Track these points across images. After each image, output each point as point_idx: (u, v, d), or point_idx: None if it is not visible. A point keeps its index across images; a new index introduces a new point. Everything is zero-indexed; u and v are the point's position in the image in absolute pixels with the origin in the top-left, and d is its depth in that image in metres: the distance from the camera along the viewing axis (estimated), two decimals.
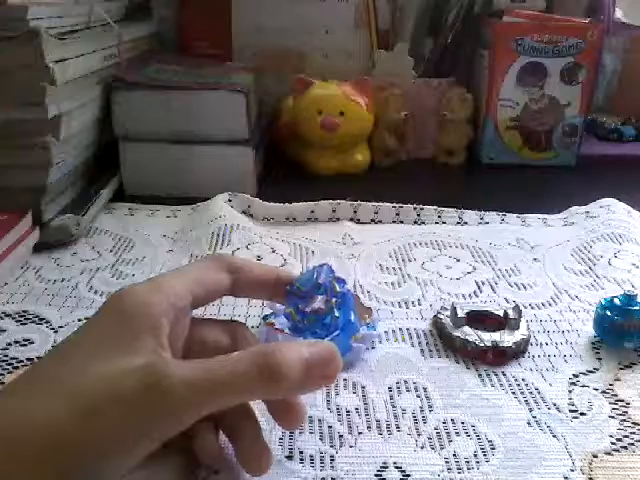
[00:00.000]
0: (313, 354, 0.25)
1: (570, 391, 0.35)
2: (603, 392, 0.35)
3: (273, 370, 0.23)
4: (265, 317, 0.40)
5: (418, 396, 0.34)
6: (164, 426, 0.22)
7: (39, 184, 0.51)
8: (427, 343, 0.39)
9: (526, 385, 0.35)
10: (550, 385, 0.35)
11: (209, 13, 0.81)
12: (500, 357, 0.37)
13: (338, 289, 0.34)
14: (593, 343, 0.39)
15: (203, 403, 0.23)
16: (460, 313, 0.40)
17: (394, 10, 0.80)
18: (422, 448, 0.30)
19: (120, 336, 0.24)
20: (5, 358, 0.37)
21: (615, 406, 0.34)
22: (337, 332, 0.34)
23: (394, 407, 0.33)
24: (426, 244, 0.54)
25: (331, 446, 0.31)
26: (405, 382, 0.35)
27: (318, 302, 0.33)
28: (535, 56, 0.72)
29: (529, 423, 0.32)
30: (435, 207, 0.59)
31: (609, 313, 0.39)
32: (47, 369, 0.24)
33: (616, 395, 0.35)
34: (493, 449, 0.30)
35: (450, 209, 0.59)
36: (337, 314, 0.34)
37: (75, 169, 0.58)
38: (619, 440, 0.31)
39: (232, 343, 0.30)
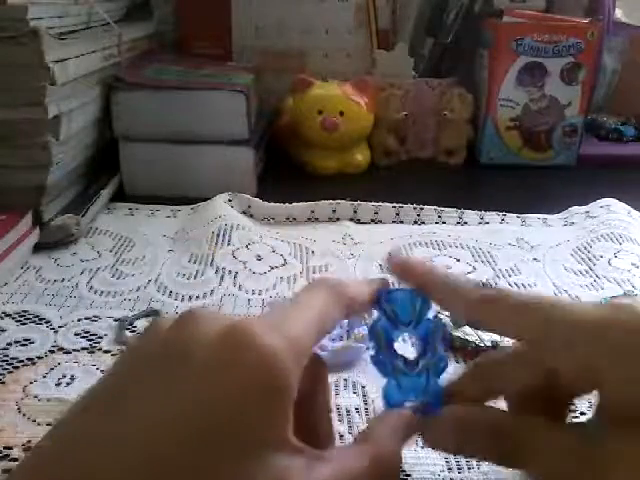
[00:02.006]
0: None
1: None
2: None
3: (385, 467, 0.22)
4: None
5: None
6: None
7: (39, 184, 0.51)
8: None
9: None
10: None
11: (209, 13, 0.81)
12: None
13: (438, 350, 0.27)
14: None
15: None
16: None
17: (394, 10, 0.80)
18: (422, 448, 0.30)
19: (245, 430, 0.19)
20: (5, 358, 0.37)
21: None
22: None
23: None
24: (426, 244, 0.54)
25: None
26: None
27: (409, 346, 0.28)
28: (535, 56, 0.72)
29: None
30: (435, 207, 0.59)
31: None
32: None
33: None
34: None
35: (450, 209, 0.59)
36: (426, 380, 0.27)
37: (75, 169, 0.58)
38: None
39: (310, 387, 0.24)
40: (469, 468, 0.29)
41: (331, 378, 0.35)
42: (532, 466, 0.23)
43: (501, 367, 0.26)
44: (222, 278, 0.47)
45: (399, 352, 0.26)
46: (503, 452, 0.23)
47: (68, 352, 0.38)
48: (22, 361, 0.36)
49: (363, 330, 0.38)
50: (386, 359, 0.26)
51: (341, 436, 0.31)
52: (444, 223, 0.58)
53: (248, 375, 0.19)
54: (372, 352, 0.27)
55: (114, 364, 0.21)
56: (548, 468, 0.22)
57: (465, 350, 0.38)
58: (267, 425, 0.19)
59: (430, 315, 0.27)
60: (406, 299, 0.27)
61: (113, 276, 0.47)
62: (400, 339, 0.27)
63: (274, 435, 0.19)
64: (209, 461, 0.18)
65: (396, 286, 0.28)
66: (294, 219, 0.58)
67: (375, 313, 0.28)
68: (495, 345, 0.37)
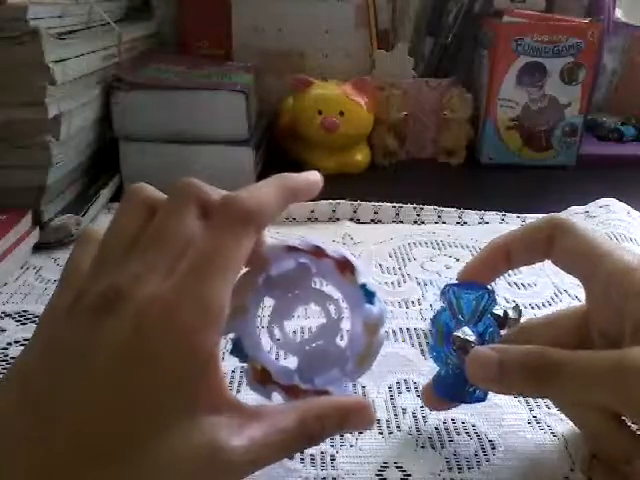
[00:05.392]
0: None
1: None
2: None
3: (314, 431, 0.24)
4: (236, 348, 0.28)
5: (418, 396, 0.34)
6: None
7: (39, 184, 0.51)
8: (427, 343, 0.39)
9: None
10: None
11: (209, 13, 0.81)
12: None
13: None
14: None
15: (257, 466, 0.23)
16: None
17: (394, 10, 0.80)
18: (423, 447, 0.30)
19: (162, 397, 0.21)
20: (5, 358, 0.37)
21: None
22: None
23: (394, 407, 0.33)
24: (426, 244, 0.54)
25: (332, 446, 0.31)
26: (405, 382, 0.35)
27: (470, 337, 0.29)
28: (535, 56, 0.72)
29: (529, 422, 0.32)
30: (435, 207, 0.59)
31: None
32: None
33: None
34: (493, 449, 0.30)
35: (450, 209, 0.59)
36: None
37: (75, 169, 0.58)
38: None
39: None
40: (469, 468, 0.29)
41: None
42: (569, 389, 0.24)
43: (539, 329, 0.29)
44: None
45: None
46: (540, 378, 0.24)
47: None
48: None
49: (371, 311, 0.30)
50: (441, 351, 0.29)
51: (341, 436, 0.31)
52: (444, 223, 0.58)
53: (167, 350, 0.20)
54: (431, 341, 0.30)
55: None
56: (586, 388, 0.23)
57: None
58: (190, 391, 0.21)
59: (496, 310, 0.30)
60: (472, 296, 0.29)
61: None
62: (462, 331, 0.29)
63: (199, 399, 0.21)
64: (138, 430, 0.20)
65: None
66: (294, 219, 0.58)
67: (439, 304, 0.30)
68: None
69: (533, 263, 0.30)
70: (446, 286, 0.30)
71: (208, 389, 0.22)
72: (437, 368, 0.31)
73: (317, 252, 0.28)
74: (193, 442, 0.21)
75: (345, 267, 0.27)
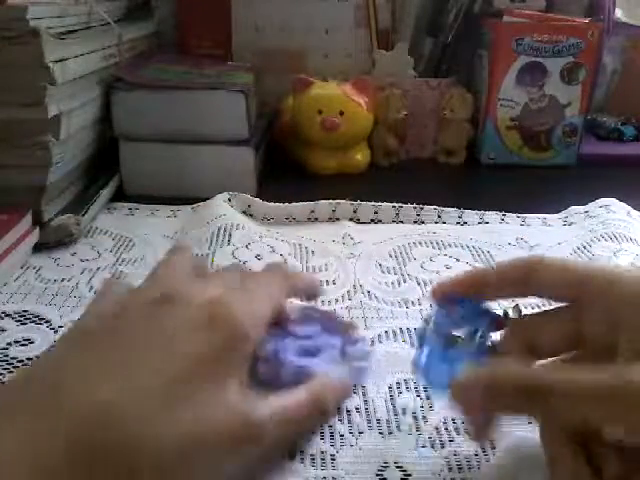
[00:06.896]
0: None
1: None
2: None
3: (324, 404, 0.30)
4: None
5: (418, 395, 0.34)
6: (248, 455, 0.26)
7: (39, 184, 0.51)
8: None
9: None
10: None
11: (209, 13, 0.81)
12: None
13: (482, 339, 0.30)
14: None
15: (279, 435, 0.27)
16: None
17: (394, 10, 0.80)
18: (423, 447, 0.30)
19: (217, 367, 0.26)
20: (5, 358, 0.37)
21: None
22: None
23: (394, 406, 0.33)
24: (426, 244, 0.54)
25: (332, 445, 0.31)
26: (405, 382, 0.35)
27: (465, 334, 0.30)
28: (535, 56, 0.72)
29: (530, 422, 0.32)
30: (435, 207, 0.59)
31: None
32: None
33: None
34: (494, 448, 0.30)
35: (450, 209, 0.59)
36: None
37: (75, 169, 0.58)
38: None
39: None
40: (469, 468, 0.29)
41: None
42: (563, 409, 0.24)
43: (538, 322, 0.30)
44: None
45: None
46: (532, 403, 0.25)
47: None
48: (22, 361, 0.36)
49: (360, 348, 0.35)
50: (429, 337, 0.30)
51: (341, 436, 0.31)
52: (444, 223, 0.58)
53: (228, 331, 0.27)
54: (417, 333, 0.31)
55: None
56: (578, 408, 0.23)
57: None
58: (239, 364, 0.27)
59: (496, 310, 0.31)
60: (468, 307, 0.30)
61: (113, 276, 0.47)
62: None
63: (234, 376, 0.27)
64: (189, 392, 0.24)
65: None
66: (294, 219, 0.58)
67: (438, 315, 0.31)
68: (494, 346, 0.37)
69: (506, 297, 0.31)
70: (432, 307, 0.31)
71: (247, 368, 0.28)
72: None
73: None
74: (231, 403, 0.26)
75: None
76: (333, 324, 0.36)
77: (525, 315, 0.31)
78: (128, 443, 0.22)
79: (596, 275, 0.27)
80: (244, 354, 0.28)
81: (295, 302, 0.36)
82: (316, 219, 0.58)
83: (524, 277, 0.29)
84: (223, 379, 0.26)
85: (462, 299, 0.30)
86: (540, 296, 0.30)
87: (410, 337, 0.40)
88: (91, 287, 0.45)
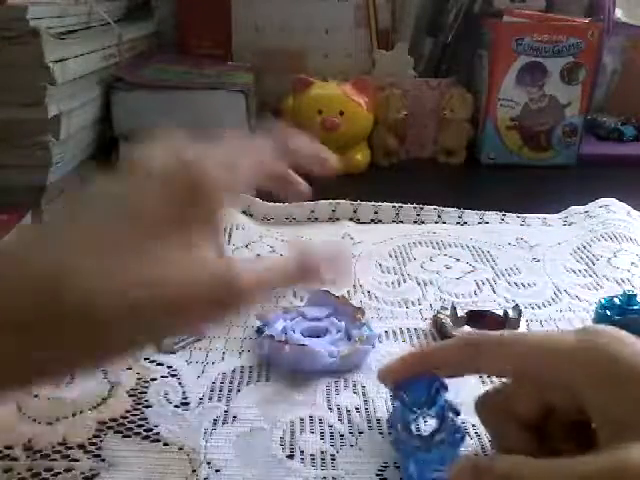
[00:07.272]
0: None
1: None
2: None
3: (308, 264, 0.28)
4: (259, 330, 0.38)
5: None
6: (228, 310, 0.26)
7: (39, 184, 0.51)
8: (427, 343, 0.39)
9: None
10: None
11: (209, 13, 0.81)
12: None
13: (452, 422, 0.29)
14: None
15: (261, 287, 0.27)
16: (460, 313, 0.40)
17: (394, 10, 0.80)
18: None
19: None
20: None
21: None
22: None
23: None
24: (426, 244, 0.54)
25: (332, 445, 0.31)
26: None
27: (429, 426, 0.31)
28: (535, 56, 0.72)
29: None
30: (435, 207, 0.59)
31: (609, 312, 0.39)
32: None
33: None
34: (493, 448, 0.30)
35: (450, 209, 0.59)
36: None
37: (75, 169, 0.58)
38: None
39: None
40: None
41: (331, 378, 0.35)
42: None
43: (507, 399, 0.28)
44: None
45: (415, 433, 0.30)
46: None
47: None
48: None
49: (363, 332, 0.38)
50: (405, 442, 0.29)
51: (342, 436, 0.31)
52: (444, 223, 0.58)
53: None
54: (392, 438, 0.30)
55: None
56: None
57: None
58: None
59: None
60: (422, 385, 0.30)
61: None
62: (420, 420, 0.30)
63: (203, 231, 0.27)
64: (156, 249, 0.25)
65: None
66: (294, 219, 0.58)
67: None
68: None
69: (455, 376, 0.30)
70: (392, 391, 0.31)
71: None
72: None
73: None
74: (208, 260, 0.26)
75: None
76: (343, 308, 0.40)
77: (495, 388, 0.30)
78: (89, 296, 0.22)
79: (531, 353, 0.26)
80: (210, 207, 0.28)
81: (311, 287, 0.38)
82: (316, 219, 0.58)
83: (466, 360, 0.29)
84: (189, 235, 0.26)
85: (412, 381, 0.30)
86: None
87: (410, 337, 0.40)
88: None
